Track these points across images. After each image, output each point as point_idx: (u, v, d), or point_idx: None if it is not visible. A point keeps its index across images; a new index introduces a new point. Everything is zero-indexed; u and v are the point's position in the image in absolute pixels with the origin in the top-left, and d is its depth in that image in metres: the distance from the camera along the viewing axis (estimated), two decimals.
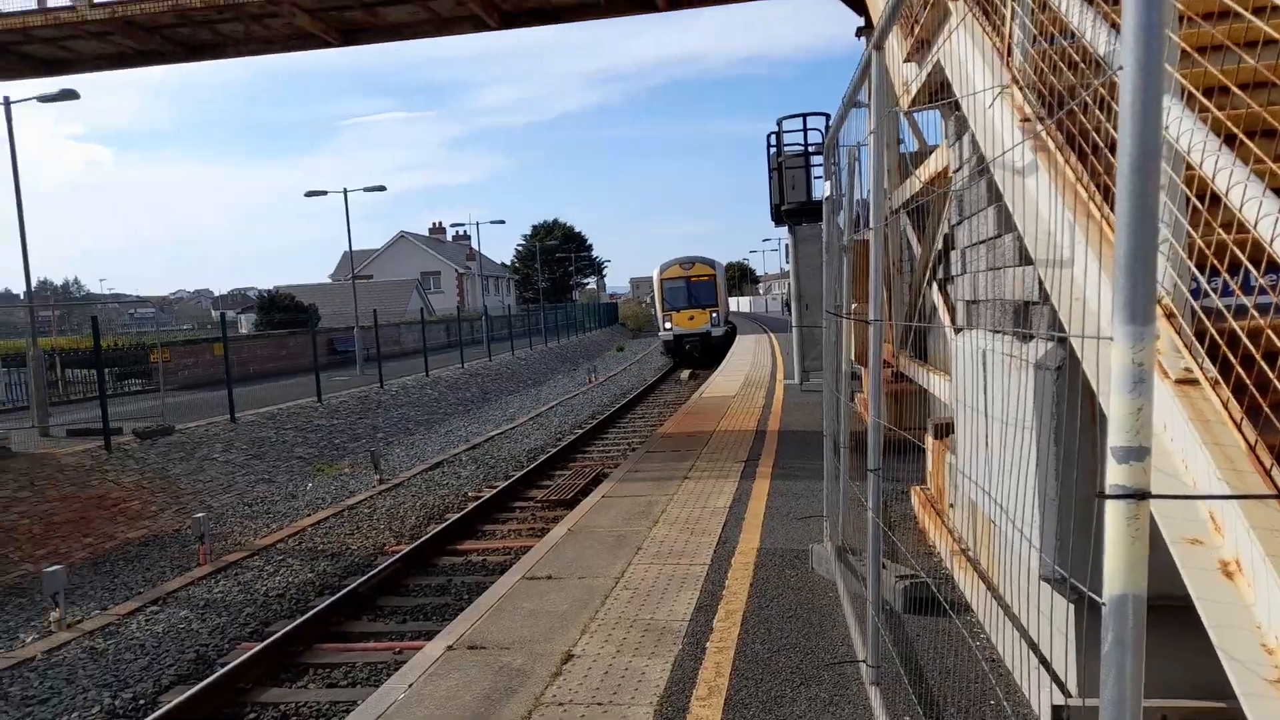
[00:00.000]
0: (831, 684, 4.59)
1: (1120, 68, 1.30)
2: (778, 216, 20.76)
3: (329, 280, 63.32)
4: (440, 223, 75.74)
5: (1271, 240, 1.91)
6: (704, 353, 33.49)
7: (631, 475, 10.71)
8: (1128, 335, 1.29)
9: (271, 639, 7.67)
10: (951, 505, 7.06)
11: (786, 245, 22.44)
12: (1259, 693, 1.95)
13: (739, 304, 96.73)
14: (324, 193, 29.52)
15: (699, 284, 34.50)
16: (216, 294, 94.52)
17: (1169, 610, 2.55)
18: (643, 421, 20.57)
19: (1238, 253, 2.10)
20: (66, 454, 13.31)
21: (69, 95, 15.43)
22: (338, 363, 30.85)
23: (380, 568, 9.62)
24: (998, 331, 4.82)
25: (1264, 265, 2.03)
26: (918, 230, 10.62)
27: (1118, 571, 1.32)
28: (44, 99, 15.40)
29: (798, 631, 5.31)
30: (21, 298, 16.36)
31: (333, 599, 8.69)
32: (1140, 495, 1.30)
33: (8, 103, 15.67)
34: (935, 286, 8.96)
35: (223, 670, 7.04)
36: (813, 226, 18.21)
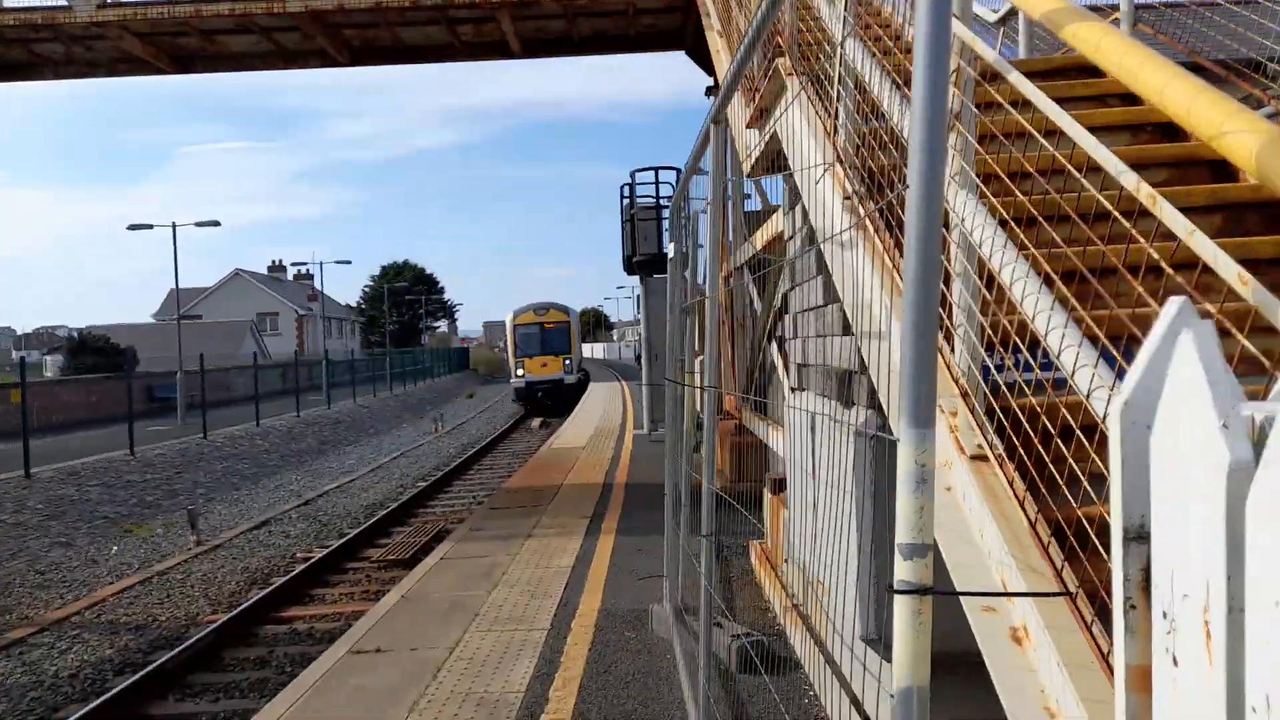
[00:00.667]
0: None
1: (906, 186, 1.38)
2: (629, 267, 21.18)
3: (152, 320, 58.81)
4: (281, 260, 72.12)
5: (1046, 334, 2.09)
6: (557, 400, 33.07)
7: (474, 534, 10.41)
8: (911, 438, 1.35)
9: None
10: (786, 560, 7.27)
11: (638, 295, 22.90)
12: None
13: (593, 350, 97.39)
14: (149, 226, 27.57)
15: (553, 330, 34.20)
16: (20, 333, 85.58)
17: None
18: (491, 473, 20.15)
19: (1018, 341, 2.28)
20: None
21: None
22: (158, 410, 28.55)
23: (191, 640, 8.83)
24: (824, 396, 5.05)
25: (1040, 352, 2.20)
26: (759, 287, 11.08)
27: (904, 664, 1.36)
28: None
29: (634, 698, 5.25)
30: None
31: (134, 678, 7.87)
32: (923, 591, 1.35)
33: None
34: (775, 344, 9.34)
35: None
36: (663, 278, 18.64)
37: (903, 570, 1.36)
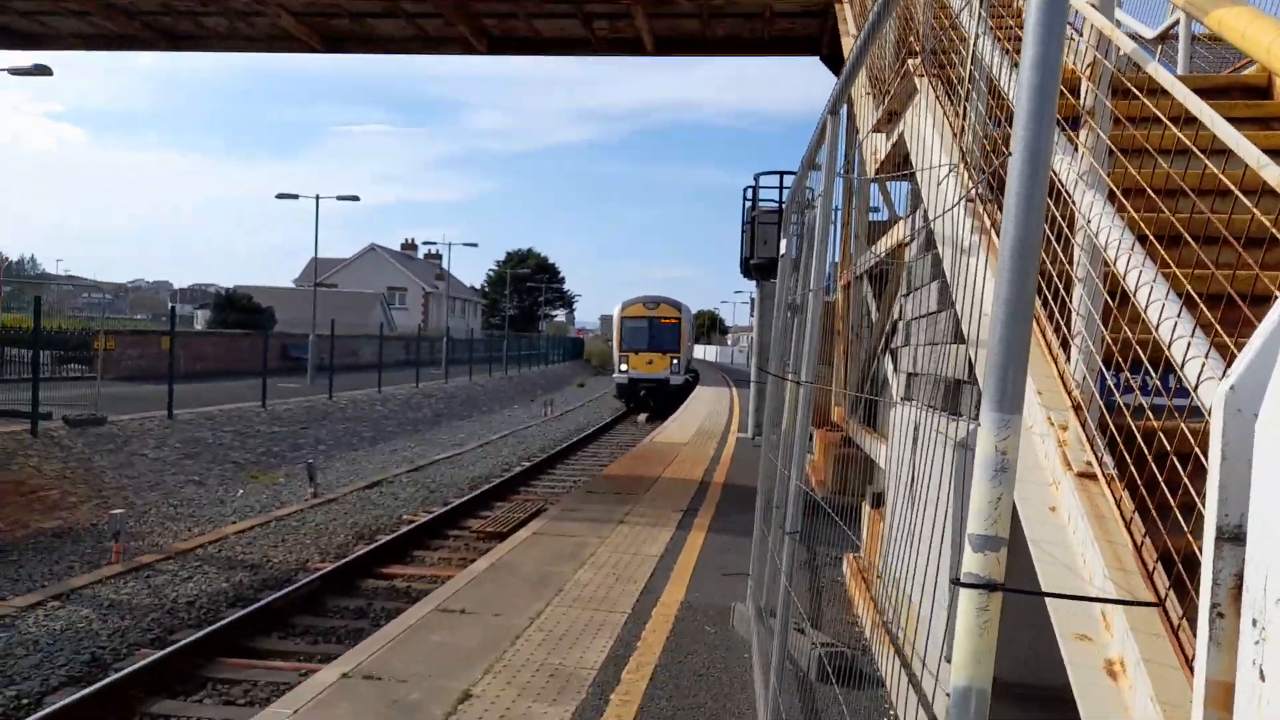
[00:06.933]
0: None
1: (1010, 154, 1.30)
2: (747, 270, 21.01)
3: (292, 285, 62.45)
4: (413, 239, 75.15)
5: (1170, 344, 1.93)
6: (660, 400, 31.28)
7: (567, 514, 10.57)
8: (993, 422, 1.27)
9: (173, 648, 7.38)
10: (879, 576, 7.04)
11: (753, 298, 22.70)
12: None
13: (706, 352, 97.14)
14: (295, 196, 29.28)
15: (662, 326, 32.17)
16: (177, 286, 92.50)
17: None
18: (593, 460, 20.42)
19: (1139, 352, 2.12)
20: None
21: (42, 70, 15.17)
22: (290, 369, 30.27)
23: (299, 584, 9.33)
24: (930, 406, 4.85)
25: (1161, 366, 2.04)
26: (877, 297, 10.77)
27: (964, 663, 1.29)
28: (15, 71, 15.13)
29: (706, 692, 5.20)
30: None
31: (244, 612, 8.39)
32: (991, 586, 1.26)
33: None
34: (889, 356, 9.06)
35: (113, 676, 6.74)
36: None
37: (971, 563, 1.28)
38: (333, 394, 23.38)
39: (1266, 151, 3.61)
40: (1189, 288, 2.14)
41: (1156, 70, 2.30)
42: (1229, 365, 1.89)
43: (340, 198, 30.62)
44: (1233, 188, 2.02)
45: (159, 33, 14.02)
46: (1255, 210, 1.89)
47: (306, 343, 28.87)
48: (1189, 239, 2.10)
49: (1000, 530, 1.27)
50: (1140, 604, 1.73)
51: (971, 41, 3.49)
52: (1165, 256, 2.17)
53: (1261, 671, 0.85)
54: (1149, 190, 2.27)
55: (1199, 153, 2.07)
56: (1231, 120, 3.88)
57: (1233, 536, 0.94)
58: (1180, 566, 1.88)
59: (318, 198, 29.07)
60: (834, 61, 12.90)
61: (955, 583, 1.30)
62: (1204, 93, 4.32)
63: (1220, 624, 0.95)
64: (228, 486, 14.78)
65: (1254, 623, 0.87)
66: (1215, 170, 2.01)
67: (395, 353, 37.29)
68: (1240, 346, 1.91)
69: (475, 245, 52.45)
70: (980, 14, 3.42)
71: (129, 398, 18.16)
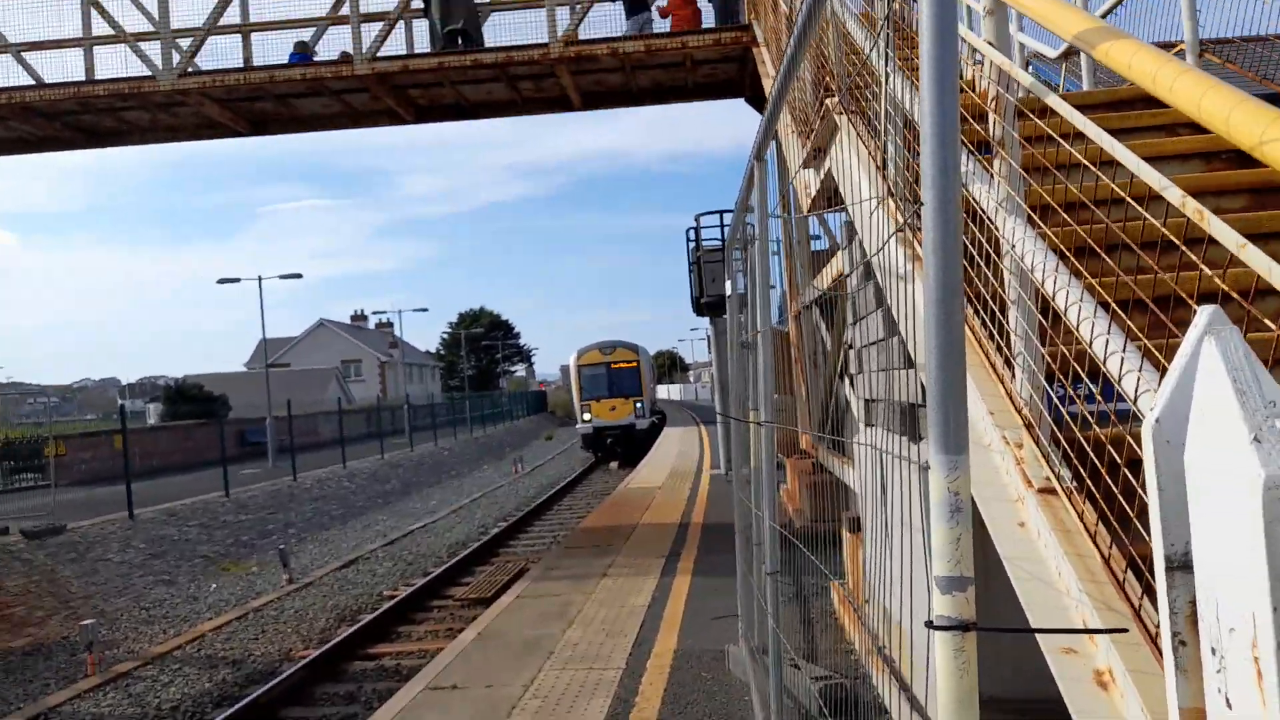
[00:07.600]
0: None
1: (920, 204, 1.37)
2: (698, 309, 21.22)
3: (243, 369, 61.41)
4: (362, 310, 74.75)
5: (1104, 359, 2.01)
6: (627, 447, 30.08)
7: (549, 573, 10.46)
8: (942, 464, 1.32)
9: None
10: (866, 601, 7.05)
11: (709, 336, 22.87)
12: None
13: (670, 392, 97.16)
14: (237, 280, 29.02)
15: (621, 371, 31.41)
16: (124, 382, 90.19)
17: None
18: (570, 513, 20.25)
19: (1078, 368, 2.21)
20: None
21: None
22: (249, 455, 29.68)
23: (284, 676, 9.08)
24: (892, 431, 4.94)
25: (1100, 378, 2.12)
26: (829, 325, 10.94)
27: (948, 706, 1.32)
28: None
29: None
30: None
31: (230, 710, 8.14)
32: (964, 627, 1.30)
33: None
34: (847, 381, 9.18)
35: None
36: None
37: (941, 605, 1.32)
38: (296, 475, 22.95)
39: (1170, 156, 3.78)
40: (1108, 298, 2.24)
41: (1046, 93, 2.43)
42: (1162, 375, 1.98)
43: (283, 276, 30.36)
44: (1125, 196, 2.12)
45: (80, 131, 13.82)
46: (1147, 215, 1.99)
47: (264, 426, 28.36)
48: (1099, 251, 2.21)
49: (965, 569, 1.32)
50: (1112, 631, 1.78)
51: (883, 80, 3.64)
52: (1080, 269, 2.27)
53: (1228, 699, 0.89)
54: (1055, 207, 2.38)
55: (1091, 166, 2.19)
56: (1138, 130, 4.07)
57: (1181, 565, 0.99)
58: (1149, 575, 1.93)
59: (260, 279, 28.81)
60: (758, 103, 13.19)
61: (929, 625, 1.34)
62: (1110, 105, 4.54)
63: (1184, 651, 0.99)
64: (199, 582, 14.38)
65: (1213, 651, 0.91)
66: (1108, 181, 2.12)
67: (357, 426, 36.77)
68: (1167, 350, 2.01)
69: (426, 310, 52.72)
70: (887, 54, 3.56)
71: (86, 502, 17.66)
